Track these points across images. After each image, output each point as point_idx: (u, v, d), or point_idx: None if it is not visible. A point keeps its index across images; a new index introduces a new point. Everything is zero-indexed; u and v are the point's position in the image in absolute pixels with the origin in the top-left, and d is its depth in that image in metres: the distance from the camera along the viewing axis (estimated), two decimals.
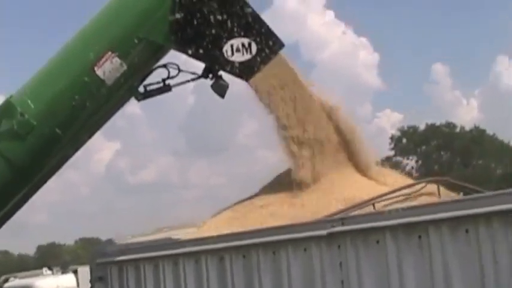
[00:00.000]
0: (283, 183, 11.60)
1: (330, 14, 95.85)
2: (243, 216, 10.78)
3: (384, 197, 9.66)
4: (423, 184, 10.10)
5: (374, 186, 11.14)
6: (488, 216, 6.33)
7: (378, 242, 7.06)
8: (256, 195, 11.83)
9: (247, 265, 8.21)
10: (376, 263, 7.10)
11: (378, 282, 7.09)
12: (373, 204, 9.49)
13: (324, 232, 7.40)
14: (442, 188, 10.78)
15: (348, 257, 7.30)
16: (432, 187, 10.78)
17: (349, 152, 11.85)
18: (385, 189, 10.61)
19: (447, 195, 10.57)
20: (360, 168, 11.84)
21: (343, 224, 7.35)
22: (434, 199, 9.81)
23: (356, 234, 7.24)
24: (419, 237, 6.77)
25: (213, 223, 10.91)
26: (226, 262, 8.42)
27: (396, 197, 10.17)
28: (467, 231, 6.47)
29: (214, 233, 9.49)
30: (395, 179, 12.15)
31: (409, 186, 10.07)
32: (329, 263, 7.46)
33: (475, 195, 8.10)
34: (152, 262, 9.30)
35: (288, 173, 11.77)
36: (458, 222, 6.51)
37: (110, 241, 11.69)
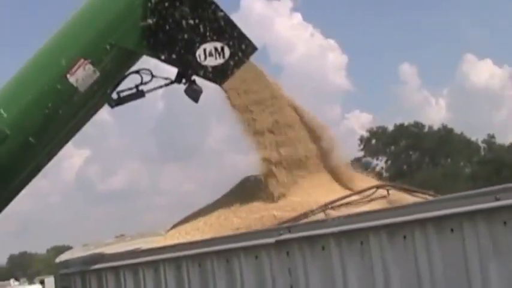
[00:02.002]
0: (248, 189, 11.69)
1: (298, 17, 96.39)
2: (206, 225, 10.87)
3: (334, 203, 9.90)
4: (373, 190, 10.37)
5: (343, 192, 11.30)
6: (423, 222, 6.73)
7: (323, 248, 7.40)
8: (220, 201, 11.88)
9: (203, 273, 8.44)
10: (322, 268, 7.43)
11: (324, 286, 7.43)
12: (324, 212, 9.76)
13: (272, 240, 7.72)
14: (395, 192, 11.04)
15: (296, 263, 7.62)
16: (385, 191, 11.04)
17: (321, 154, 11.91)
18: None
19: (402, 198, 10.79)
20: (332, 172, 11.91)
21: (290, 232, 7.66)
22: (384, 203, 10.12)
23: (303, 241, 7.55)
24: (361, 243, 7.14)
25: (176, 232, 11.03)
26: (183, 270, 8.63)
27: (348, 202, 10.38)
28: (404, 237, 6.86)
29: (176, 242, 9.76)
30: (367, 183, 12.38)
31: (358, 192, 10.33)
32: (279, 269, 7.76)
33: (409, 203, 8.47)
34: (114, 271, 9.45)
35: (253, 178, 11.86)
36: (395, 229, 6.91)
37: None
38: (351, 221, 7.25)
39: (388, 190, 10.53)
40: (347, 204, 10.11)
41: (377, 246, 7.01)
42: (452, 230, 6.57)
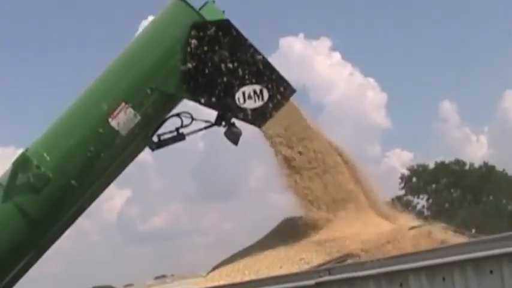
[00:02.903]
0: (287, 230, 11.72)
1: (337, 56, 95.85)
2: (247, 267, 10.89)
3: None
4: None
5: (385, 226, 11.31)
6: (462, 264, 6.73)
7: None
8: (260, 242, 11.92)
9: None
10: None
11: None
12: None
13: (312, 282, 7.72)
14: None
15: None
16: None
17: (361, 192, 11.91)
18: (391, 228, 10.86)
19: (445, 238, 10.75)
20: (370, 208, 11.91)
21: (330, 274, 7.68)
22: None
23: (342, 283, 7.55)
24: (401, 284, 7.13)
25: (217, 274, 11.08)
26: None
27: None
28: (444, 279, 6.85)
29: (216, 284, 9.81)
30: (405, 220, 12.35)
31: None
32: None
33: (449, 245, 8.47)
34: None
35: (293, 219, 11.89)
36: (434, 270, 6.90)
37: None
38: (390, 263, 7.25)
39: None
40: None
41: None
42: (491, 271, 6.56)
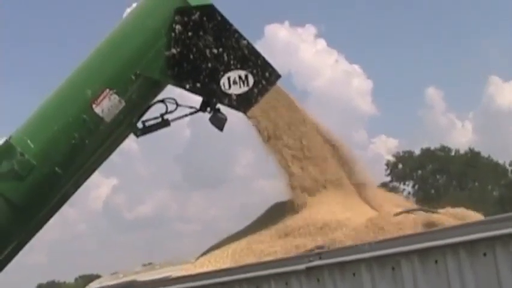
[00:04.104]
0: (276, 215, 11.64)
1: (322, 43, 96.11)
2: (236, 252, 10.81)
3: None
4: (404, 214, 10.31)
5: (369, 212, 11.24)
6: (455, 246, 6.64)
7: (354, 274, 7.30)
8: (249, 227, 11.84)
9: None
10: None
11: None
12: None
13: (302, 266, 7.66)
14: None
15: None
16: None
17: (348, 174, 11.84)
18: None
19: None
20: (358, 191, 11.85)
21: (320, 258, 7.59)
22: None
23: (333, 267, 7.46)
24: (393, 268, 7.05)
25: (206, 260, 11.00)
26: None
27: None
28: (436, 262, 6.78)
29: (205, 270, 9.73)
30: (397, 203, 12.27)
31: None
32: None
33: (440, 227, 8.39)
34: None
35: (281, 204, 11.81)
36: (427, 254, 6.82)
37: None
38: (381, 247, 7.16)
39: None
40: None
41: (409, 272, 6.91)
42: (484, 254, 6.48)
